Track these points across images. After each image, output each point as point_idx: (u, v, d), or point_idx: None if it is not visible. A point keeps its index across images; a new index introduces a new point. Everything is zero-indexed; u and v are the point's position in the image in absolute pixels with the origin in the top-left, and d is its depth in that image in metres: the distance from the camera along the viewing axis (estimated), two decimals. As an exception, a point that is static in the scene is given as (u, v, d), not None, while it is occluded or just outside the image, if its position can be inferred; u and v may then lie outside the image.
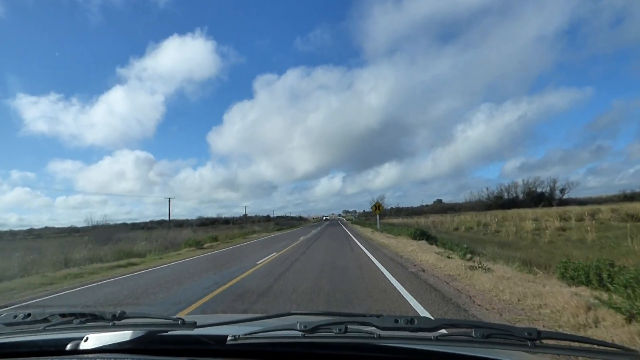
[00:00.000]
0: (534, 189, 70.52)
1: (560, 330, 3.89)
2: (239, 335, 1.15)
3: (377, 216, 31.15)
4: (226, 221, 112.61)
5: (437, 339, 1.07)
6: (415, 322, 1.11)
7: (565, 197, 67.37)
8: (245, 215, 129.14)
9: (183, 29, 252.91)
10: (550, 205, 60.94)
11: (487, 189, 78.17)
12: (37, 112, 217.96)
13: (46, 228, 74.65)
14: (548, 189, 70.11)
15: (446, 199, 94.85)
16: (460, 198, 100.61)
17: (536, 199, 67.84)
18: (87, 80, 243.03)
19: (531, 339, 1.01)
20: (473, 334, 1.07)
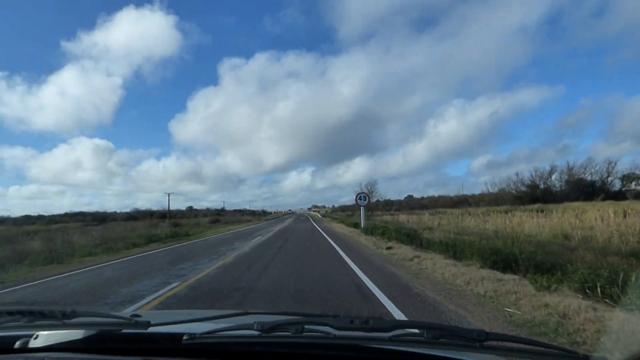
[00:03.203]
0: (581, 176, 49.63)
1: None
2: (195, 335, 1.13)
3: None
4: (162, 215, 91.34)
5: (390, 339, 1.10)
6: (370, 322, 1.13)
7: (632, 188, 46.67)
8: (192, 208, 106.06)
9: (139, 0, 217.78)
10: (622, 197, 40.14)
11: (516, 174, 55.62)
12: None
13: None
14: (598, 178, 49.44)
15: (416, 195, 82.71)
16: (428, 193, 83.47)
17: (586, 190, 47.02)
18: (29, 57, 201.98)
19: (479, 340, 1.04)
20: (425, 335, 1.09)
